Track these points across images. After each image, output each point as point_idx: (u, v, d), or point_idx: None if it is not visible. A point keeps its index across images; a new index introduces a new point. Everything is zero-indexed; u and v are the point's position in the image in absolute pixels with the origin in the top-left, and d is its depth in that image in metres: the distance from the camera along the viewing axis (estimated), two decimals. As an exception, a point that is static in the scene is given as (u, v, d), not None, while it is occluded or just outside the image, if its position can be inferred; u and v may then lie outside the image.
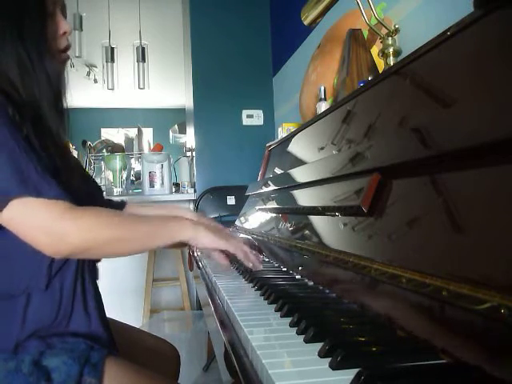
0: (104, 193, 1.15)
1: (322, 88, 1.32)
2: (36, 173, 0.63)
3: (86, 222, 0.66)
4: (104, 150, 3.13)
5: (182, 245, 0.81)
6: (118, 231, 0.69)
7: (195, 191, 2.63)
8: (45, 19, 0.74)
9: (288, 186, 1.02)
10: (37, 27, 0.72)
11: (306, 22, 1.22)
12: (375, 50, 1.15)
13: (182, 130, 4.00)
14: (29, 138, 0.66)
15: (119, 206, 1.04)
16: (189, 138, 3.00)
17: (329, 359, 0.38)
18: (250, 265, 0.80)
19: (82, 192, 0.75)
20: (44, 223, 0.63)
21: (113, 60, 3.45)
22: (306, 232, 0.83)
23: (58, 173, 0.68)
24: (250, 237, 1.29)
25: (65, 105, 0.81)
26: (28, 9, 0.71)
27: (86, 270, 0.76)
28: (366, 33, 1.19)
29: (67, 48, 0.79)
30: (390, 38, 0.92)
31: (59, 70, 0.77)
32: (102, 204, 0.94)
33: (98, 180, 2.97)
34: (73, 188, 0.70)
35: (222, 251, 0.83)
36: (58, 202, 0.64)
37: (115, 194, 2.68)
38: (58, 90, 0.77)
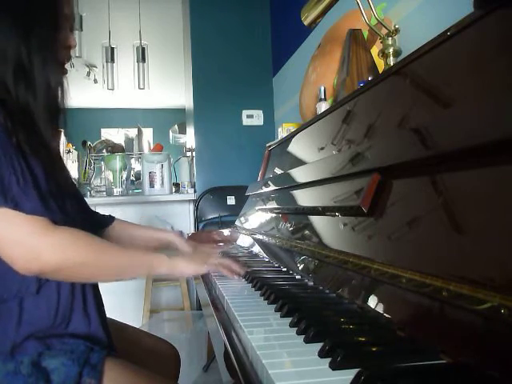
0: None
1: (322, 88, 1.32)
2: (17, 185, 0.62)
3: (62, 242, 0.66)
4: (104, 150, 3.13)
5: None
6: (92, 257, 0.69)
7: (195, 191, 2.63)
8: (55, 30, 0.73)
9: (288, 186, 1.02)
10: (45, 35, 0.71)
11: (305, 23, 1.22)
12: (375, 50, 1.15)
13: (182, 130, 4.01)
14: (20, 145, 0.65)
15: (106, 220, 1.02)
16: (189, 138, 3.00)
17: (329, 359, 0.38)
18: (235, 277, 0.81)
19: (67, 204, 0.74)
20: (18, 237, 0.63)
21: (113, 60, 3.45)
22: (306, 232, 0.83)
23: (46, 183, 0.67)
24: (250, 237, 1.29)
25: (61, 106, 0.81)
26: (39, 16, 0.71)
27: None
28: (365, 33, 1.19)
29: (68, 60, 0.79)
30: (390, 38, 0.92)
31: (59, 80, 0.76)
32: (87, 215, 0.94)
33: (97, 180, 2.98)
34: (60, 199, 0.70)
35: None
36: (36, 218, 0.63)
37: (115, 194, 2.68)
38: (55, 99, 0.76)
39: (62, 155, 0.85)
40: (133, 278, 0.79)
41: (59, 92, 0.76)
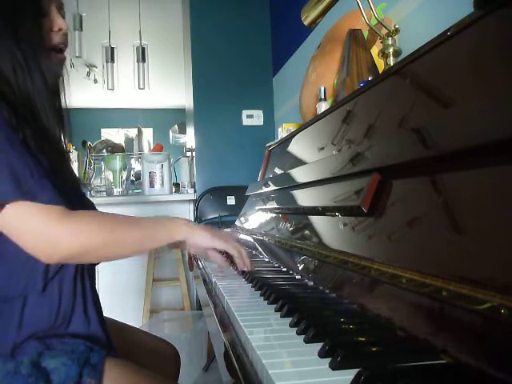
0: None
1: (322, 88, 1.32)
2: (32, 177, 0.62)
3: (81, 226, 0.66)
4: (104, 150, 3.13)
5: (177, 244, 0.81)
6: (112, 235, 0.69)
7: (195, 191, 2.63)
8: (39, 17, 0.72)
9: (288, 186, 1.02)
10: (31, 25, 0.71)
11: (306, 23, 1.22)
12: (375, 50, 1.15)
13: (182, 130, 4.00)
14: (26, 140, 0.65)
15: None
16: (189, 138, 3.00)
17: (329, 359, 0.38)
18: (245, 268, 0.81)
19: (74, 198, 0.74)
20: (38, 228, 0.63)
21: (113, 60, 3.45)
22: (306, 232, 0.83)
23: (53, 177, 0.67)
24: (250, 237, 1.29)
25: (63, 105, 0.81)
26: (22, 7, 0.70)
27: (85, 271, 0.76)
28: (366, 33, 1.19)
29: (63, 45, 0.77)
30: (390, 38, 0.92)
31: (55, 69, 0.76)
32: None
33: (97, 180, 2.98)
34: (66, 194, 0.70)
35: (220, 252, 0.84)
36: (52, 207, 0.64)
37: (115, 194, 2.68)
38: (54, 90, 0.76)
39: (67, 153, 0.85)
40: (155, 248, 0.78)
41: (58, 83, 0.76)
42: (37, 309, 0.68)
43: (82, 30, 3.09)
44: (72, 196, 0.74)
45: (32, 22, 0.71)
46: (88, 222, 0.68)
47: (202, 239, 0.77)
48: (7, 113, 0.64)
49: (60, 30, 0.76)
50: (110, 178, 2.81)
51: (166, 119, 6.11)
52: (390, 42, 0.92)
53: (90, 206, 0.92)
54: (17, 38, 0.69)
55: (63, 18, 0.78)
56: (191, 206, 2.68)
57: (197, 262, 1.13)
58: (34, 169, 0.63)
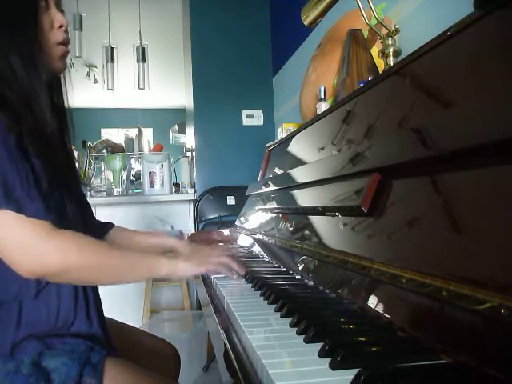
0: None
1: (322, 88, 1.32)
2: (21, 187, 0.62)
3: (65, 246, 0.65)
4: (104, 150, 3.13)
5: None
6: (94, 258, 0.68)
7: (195, 191, 2.63)
8: (36, 15, 0.71)
9: (288, 186, 1.02)
10: (28, 23, 0.70)
11: (306, 23, 1.22)
12: (375, 50, 1.15)
13: (182, 130, 4.01)
14: (22, 141, 0.64)
15: (106, 226, 1.01)
16: (189, 138, 3.00)
17: (329, 359, 0.38)
18: (235, 276, 0.81)
19: (67, 205, 0.74)
20: (20, 241, 0.62)
21: (113, 60, 3.45)
22: (306, 232, 0.83)
23: (47, 181, 0.67)
24: (250, 237, 1.29)
25: (66, 105, 0.81)
26: (18, 5, 0.70)
27: None
28: (366, 33, 1.19)
29: (65, 41, 0.76)
30: (390, 38, 0.92)
31: (54, 65, 0.75)
32: (90, 220, 0.93)
33: (97, 180, 2.97)
34: (59, 201, 0.69)
35: None
36: (38, 222, 0.63)
37: (115, 194, 2.68)
38: (52, 86, 0.75)
39: (70, 152, 0.85)
40: (133, 282, 0.78)
41: (57, 74, 0.75)
42: (34, 313, 0.68)
43: (82, 30, 3.09)
44: (67, 202, 0.73)
45: (29, 19, 0.70)
46: (74, 240, 0.67)
47: (184, 272, 0.77)
48: (4, 113, 0.64)
49: (61, 26, 0.75)
50: (110, 177, 2.81)
51: (166, 119, 6.11)
52: (389, 41, 0.92)
53: (87, 206, 0.91)
54: (12, 35, 0.68)
55: (62, 13, 0.77)
56: (191, 206, 2.68)
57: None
58: (25, 177, 0.63)
